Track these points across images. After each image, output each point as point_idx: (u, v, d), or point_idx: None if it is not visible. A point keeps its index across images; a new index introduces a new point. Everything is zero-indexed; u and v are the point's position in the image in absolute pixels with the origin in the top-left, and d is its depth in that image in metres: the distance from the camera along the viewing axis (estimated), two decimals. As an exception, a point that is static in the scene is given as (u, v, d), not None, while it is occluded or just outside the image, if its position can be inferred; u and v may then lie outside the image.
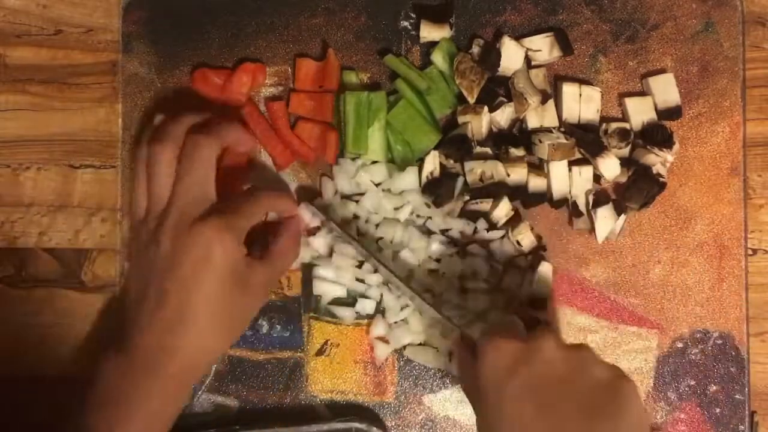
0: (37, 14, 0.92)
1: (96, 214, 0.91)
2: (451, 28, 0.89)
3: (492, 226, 0.87)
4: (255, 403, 0.89)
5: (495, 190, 0.85)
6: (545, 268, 0.87)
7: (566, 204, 0.88)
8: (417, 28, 0.90)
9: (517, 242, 0.87)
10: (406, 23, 0.91)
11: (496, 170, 0.84)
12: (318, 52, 0.91)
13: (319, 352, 0.89)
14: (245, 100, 0.89)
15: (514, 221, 0.87)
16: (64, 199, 0.91)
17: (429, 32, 0.88)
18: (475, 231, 0.87)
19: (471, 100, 0.86)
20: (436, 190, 0.85)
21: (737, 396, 0.88)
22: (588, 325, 0.89)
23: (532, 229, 0.87)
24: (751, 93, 0.91)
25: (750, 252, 0.90)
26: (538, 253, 0.88)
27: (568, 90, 0.87)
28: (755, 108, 0.91)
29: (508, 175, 0.85)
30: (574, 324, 0.89)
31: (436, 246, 0.86)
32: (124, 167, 0.90)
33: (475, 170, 0.85)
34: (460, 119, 0.87)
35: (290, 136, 0.89)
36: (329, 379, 0.89)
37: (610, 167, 0.85)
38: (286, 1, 0.91)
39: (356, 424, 0.85)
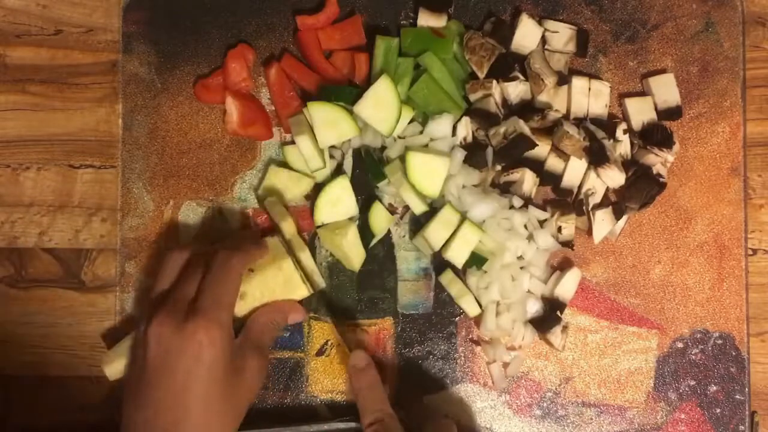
0: (37, 14, 0.92)
1: (96, 214, 0.91)
2: (449, 19, 0.89)
3: (526, 200, 0.87)
4: (255, 403, 0.89)
5: (519, 149, 0.85)
6: (573, 275, 0.87)
7: (570, 196, 0.88)
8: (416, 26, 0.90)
9: (559, 228, 0.87)
10: (406, 24, 0.91)
11: (518, 125, 0.84)
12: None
13: (320, 353, 0.89)
14: (250, 82, 0.90)
15: (564, 208, 0.87)
16: (64, 199, 0.91)
17: (426, 20, 0.88)
18: (511, 207, 0.87)
19: (481, 75, 0.87)
20: (471, 156, 0.86)
21: (737, 396, 0.88)
22: (588, 325, 0.89)
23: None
24: (751, 93, 0.91)
25: (750, 252, 0.90)
26: (566, 251, 0.89)
27: (578, 84, 0.87)
28: (755, 108, 0.91)
29: (533, 141, 0.85)
30: (574, 324, 0.89)
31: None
32: (124, 167, 0.90)
33: (499, 131, 0.85)
34: (471, 96, 0.87)
35: (324, 64, 0.89)
36: (329, 379, 0.89)
37: (613, 178, 0.85)
38: (286, 1, 0.91)
39: (356, 424, 0.85)
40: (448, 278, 0.88)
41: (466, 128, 0.87)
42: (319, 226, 0.88)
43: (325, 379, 0.89)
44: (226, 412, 0.76)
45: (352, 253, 0.87)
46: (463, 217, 0.85)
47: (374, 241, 0.88)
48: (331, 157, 0.89)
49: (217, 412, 0.75)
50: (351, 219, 0.88)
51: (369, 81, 0.87)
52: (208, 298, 0.77)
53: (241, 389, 0.78)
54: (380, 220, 0.88)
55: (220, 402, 0.75)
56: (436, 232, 0.85)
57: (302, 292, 0.84)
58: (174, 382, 0.74)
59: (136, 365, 0.77)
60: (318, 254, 0.90)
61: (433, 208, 0.87)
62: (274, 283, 0.83)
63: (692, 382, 0.88)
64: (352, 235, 0.86)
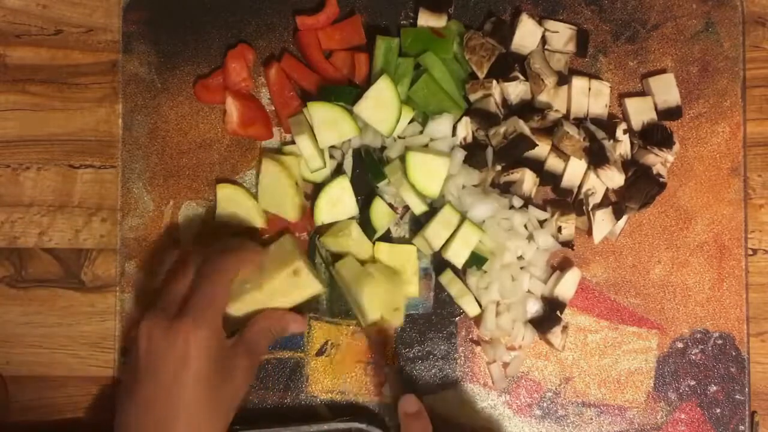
0: (37, 14, 0.92)
1: (96, 214, 0.91)
2: (449, 19, 0.89)
3: (526, 200, 0.87)
4: (255, 403, 0.89)
5: (519, 149, 0.85)
6: (573, 274, 0.87)
7: (570, 196, 0.88)
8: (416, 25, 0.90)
9: (559, 228, 0.87)
10: (406, 24, 0.91)
11: (518, 125, 0.84)
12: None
13: (319, 353, 0.89)
14: (250, 82, 0.90)
15: (564, 208, 0.87)
16: (64, 199, 0.91)
17: (426, 20, 0.88)
18: (511, 207, 0.87)
19: (481, 75, 0.87)
20: (471, 156, 0.86)
21: (737, 396, 0.88)
22: (588, 325, 0.89)
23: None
24: (751, 93, 0.91)
25: (750, 252, 0.90)
26: (566, 251, 0.89)
27: (578, 83, 0.87)
28: (755, 108, 0.91)
29: (534, 141, 0.85)
30: (574, 324, 0.89)
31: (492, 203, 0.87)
32: (124, 167, 0.90)
33: (499, 131, 0.85)
34: (471, 96, 0.87)
35: (324, 64, 0.89)
36: (329, 379, 0.89)
37: (612, 178, 0.85)
38: (286, 1, 0.91)
39: (356, 424, 0.85)
40: (448, 278, 0.88)
41: (466, 128, 0.87)
42: (319, 226, 0.88)
43: (325, 379, 0.89)
44: (215, 412, 0.76)
45: (360, 248, 0.87)
46: (463, 217, 0.85)
47: (376, 237, 0.88)
48: (331, 157, 0.89)
49: (206, 411, 0.75)
50: (351, 219, 0.88)
51: (369, 81, 0.87)
52: (198, 299, 0.76)
53: (230, 390, 0.78)
54: (382, 215, 0.88)
55: (209, 402, 0.75)
56: (436, 232, 0.85)
57: (316, 287, 0.84)
58: (162, 381, 0.74)
59: (130, 361, 0.78)
60: (319, 253, 0.90)
61: (433, 208, 0.87)
62: (286, 283, 0.83)
63: (692, 382, 0.88)
64: (356, 233, 0.86)
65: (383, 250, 0.87)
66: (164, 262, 0.82)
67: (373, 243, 0.88)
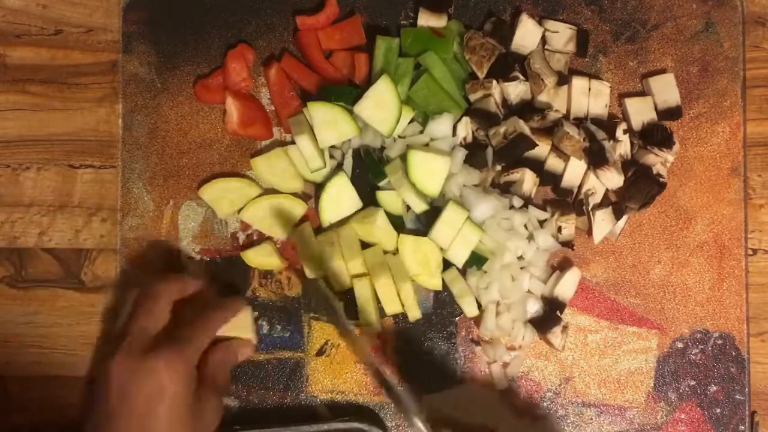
0: (37, 14, 0.92)
1: (96, 214, 0.91)
2: (449, 19, 0.89)
3: (526, 200, 0.87)
4: (255, 403, 0.89)
5: (519, 149, 0.85)
6: (573, 274, 0.87)
7: (570, 196, 0.88)
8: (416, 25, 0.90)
9: (559, 228, 0.87)
10: (406, 24, 0.91)
11: (518, 125, 0.84)
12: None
13: (320, 353, 0.89)
14: (250, 82, 0.90)
15: (564, 208, 0.87)
16: (64, 199, 0.91)
17: (427, 20, 0.88)
18: (511, 207, 0.87)
19: (481, 75, 0.87)
20: (471, 156, 0.86)
21: (737, 396, 0.88)
22: (588, 325, 0.89)
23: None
24: (751, 93, 0.91)
25: (750, 252, 0.90)
26: (566, 252, 0.89)
27: (578, 83, 0.87)
28: (755, 108, 0.91)
29: (533, 139, 0.85)
30: (574, 324, 0.89)
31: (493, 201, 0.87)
32: (124, 167, 0.90)
33: (499, 131, 0.85)
34: (471, 96, 0.87)
35: (324, 64, 0.89)
36: (329, 379, 0.89)
37: (612, 179, 0.85)
38: (286, 1, 0.91)
39: (356, 424, 0.85)
40: (451, 276, 0.88)
41: (466, 128, 0.87)
42: (325, 228, 0.88)
43: (325, 379, 0.89)
44: None
45: (385, 236, 0.87)
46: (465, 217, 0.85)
47: (406, 219, 0.88)
48: (331, 157, 0.89)
49: None
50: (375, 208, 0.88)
51: (369, 81, 0.87)
52: (180, 333, 0.77)
53: (203, 426, 0.77)
54: (391, 200, 0.88)
55: None
56: (442, 232, 0.85)
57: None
58: (135, 418, 0.73)
59: (96, 401, 0.76)
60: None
61: (434, 208, 0.87)
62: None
63: (692, 382, 0.88)
64: (381, 220, 0.86)
65: (407, 243, 0.87)
66: (126, 302, 0.81)
67: (398, 231, 0.87)
